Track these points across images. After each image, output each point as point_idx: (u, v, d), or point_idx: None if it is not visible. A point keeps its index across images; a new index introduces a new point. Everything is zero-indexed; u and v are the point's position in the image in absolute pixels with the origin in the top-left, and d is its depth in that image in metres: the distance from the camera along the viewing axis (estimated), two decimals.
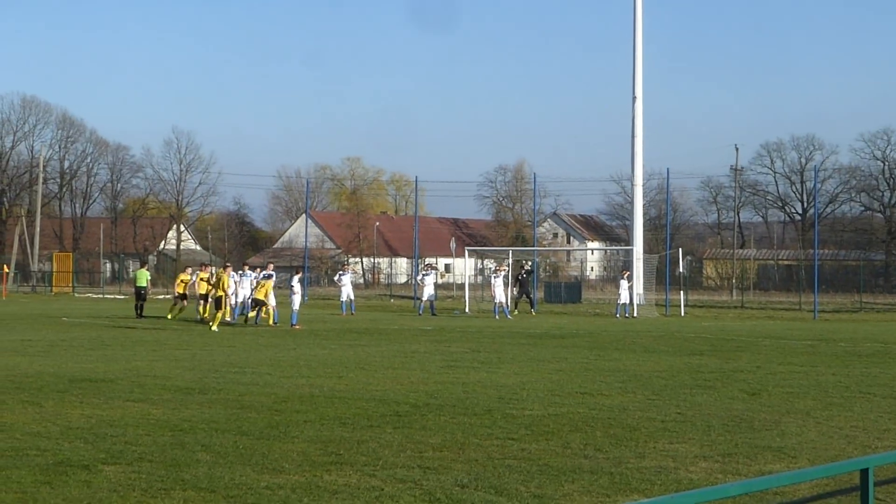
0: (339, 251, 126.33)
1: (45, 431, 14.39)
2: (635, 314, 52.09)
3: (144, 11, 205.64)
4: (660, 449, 13.57)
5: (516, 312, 53.96)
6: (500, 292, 49.94)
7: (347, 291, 51.59)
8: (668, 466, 12.49)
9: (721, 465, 12.61)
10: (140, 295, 47.46)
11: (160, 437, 14.00)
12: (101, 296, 79.37)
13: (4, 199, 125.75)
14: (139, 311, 46.14)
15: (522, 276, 59.10)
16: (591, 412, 16.75)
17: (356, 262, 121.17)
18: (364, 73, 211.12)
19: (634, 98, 63.65)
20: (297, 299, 41.26)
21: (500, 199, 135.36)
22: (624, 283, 52.28)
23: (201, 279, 43.38)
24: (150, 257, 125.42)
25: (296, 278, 42.85)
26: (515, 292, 57.70)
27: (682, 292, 58.67)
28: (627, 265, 62.29)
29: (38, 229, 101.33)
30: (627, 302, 52.07)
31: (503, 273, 52.07)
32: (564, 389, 19.77)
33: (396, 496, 10.86)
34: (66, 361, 24.56)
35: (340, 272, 54.39)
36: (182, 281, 45.38)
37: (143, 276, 48.46)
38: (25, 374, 21.59)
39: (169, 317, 43.76)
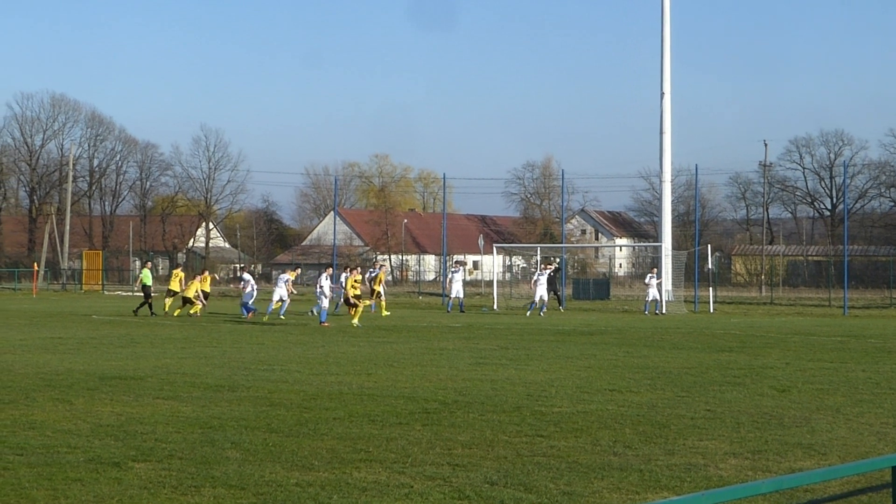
0: (368, 248, 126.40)
1: (75, 429, 14.45)
2: (664, 311, 51.93)
3: (173, 10, 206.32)
4: (689, 446, 13.54)
5: (562, 309, 54.23)
6: (542, 290, 49.87)
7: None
8: (697, 463, 12.46)
9: (751, 462, 12.58)
10: (148, 293, 47.68)
11: (190, 435, 14.04)
12: (130, 293, 79.62)
13: (35, 198, 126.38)
14: (150, 309, 46.40)
15: (551, 273, 59.10)
16: (620, 409, 16.73)
17: (385, 259, 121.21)
18: (391, 69, 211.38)
19: (662, 94, 63.57)
20: (325, 299, 41.28)
21: (528, 195, 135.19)
22: (652, 280, 52.00)
23: (354, 281, 43.26)
24: (180, 255, 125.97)
25: (324, 276, 42.89)
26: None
27: (710, 289, 58.47)
28: (656, 262, 62.22)
29: (67, 227, 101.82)
30: (657, 299, 51.82)
31: (548, 271, 52.22)
32: (593, 386, 19.75)
33: (426, 493, 10.87)
34: (95, 359, 24.67)
35: (371, 269, 54.26)
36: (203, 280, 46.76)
37: (148, 276, 48.66)
38: (56, 371, 21.70)
39: (177, 314, 44.59)
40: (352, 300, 39.81)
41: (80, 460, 12.29)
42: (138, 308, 46.80)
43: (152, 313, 45.64)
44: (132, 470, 11.81)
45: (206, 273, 48.89)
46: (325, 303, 41.40)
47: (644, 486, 11.27)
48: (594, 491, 11.04)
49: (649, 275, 53.04)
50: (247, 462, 12.28)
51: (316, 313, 42.69)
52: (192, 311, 45.09)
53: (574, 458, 12.68)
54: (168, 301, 47.53)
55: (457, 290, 51.81)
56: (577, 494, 10.89)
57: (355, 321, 38.79)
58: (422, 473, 11.76)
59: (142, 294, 49.36)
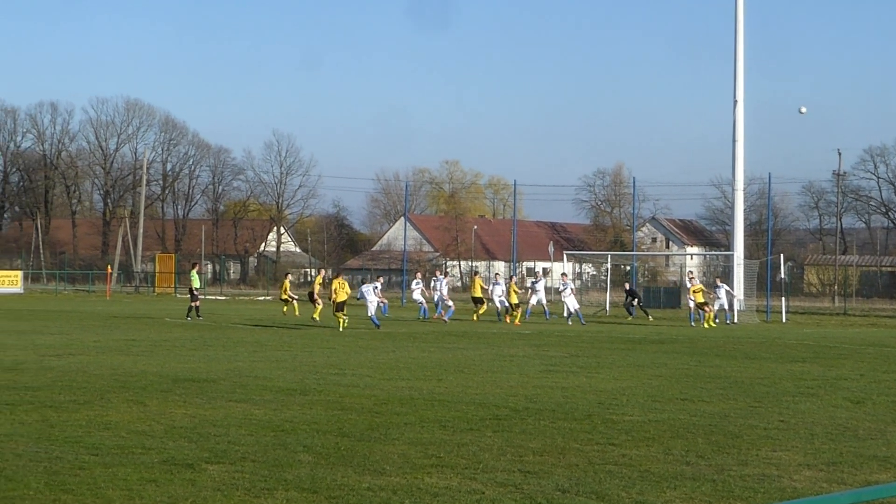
0: (437, 254, 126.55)
1: (149, 430, 14.59)
2: (735, 320, 51.52)
3: (246, 15, 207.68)
4: (762, 457, 13.44)
5: (630, 318, 53.97)
6: (572, 300, 49.55)
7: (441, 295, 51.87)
8: (771, 474, 12.36)
9: (826, 474, 12.46)
10: (195, 296, 46.82)
11: (262, 438, 14.12)
12: (202, 297, 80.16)
13: (109, 201, 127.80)
14: (196, 312, 45.60)
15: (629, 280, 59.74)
16: (692, 418, 16.63)
17: (454, 266, 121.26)
18: (463, 77, 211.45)
19: (735, 102, 63.14)
20: (371, 307, 41.82)
21: (599, 203, 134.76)
22: (722, 289, 51.29)
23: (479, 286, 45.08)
24: (252, 259, 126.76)
25: (443, 282, 43.92)
26: (630, 300, 57.41)
27: (783, 298, 57.98)
28: (728, 271, 61.78)
29: (141, 230, 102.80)
30: (726, 308, 51.21)
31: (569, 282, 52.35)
32: (665, 395, 19.65)
33: (497, 500, 10.86)
34: (168, 361, 24.88)
35: (435, 278, 54.30)
36: (318, 283, 47.84)
37: (196, 278, 47.60)
38: (130, 373, 21.91)
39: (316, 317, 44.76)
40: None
41: (155, 461, 12.40)
42: (189, 311, 45.78)
43: (199, 316, 45.10)
44: (205, 472, 11.90)
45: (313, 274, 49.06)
46: (450, 303, 46.68)
47: (717, 497, 11.19)
48: (666, 501, 10.99)
49: (718, 285, 52.18)
50: (319, 466, 12.33)
51: (448, 318, 46.39)
52: (314, 315, 45.16)
53: (646, 467, 12.63)
54: (318, 308, 46.02)
55: (539, 298, 51.82)
56: (649, 503, 10.84)
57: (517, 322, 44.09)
58: (493, 480, 11.76)
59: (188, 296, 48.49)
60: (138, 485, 11.19)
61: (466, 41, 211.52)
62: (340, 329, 39.19)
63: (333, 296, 40.79)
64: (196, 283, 47.07)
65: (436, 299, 51.43)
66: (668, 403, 18.45)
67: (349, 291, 41.40)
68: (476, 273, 48.55)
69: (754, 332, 43.10)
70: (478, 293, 49.60)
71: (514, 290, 46.73)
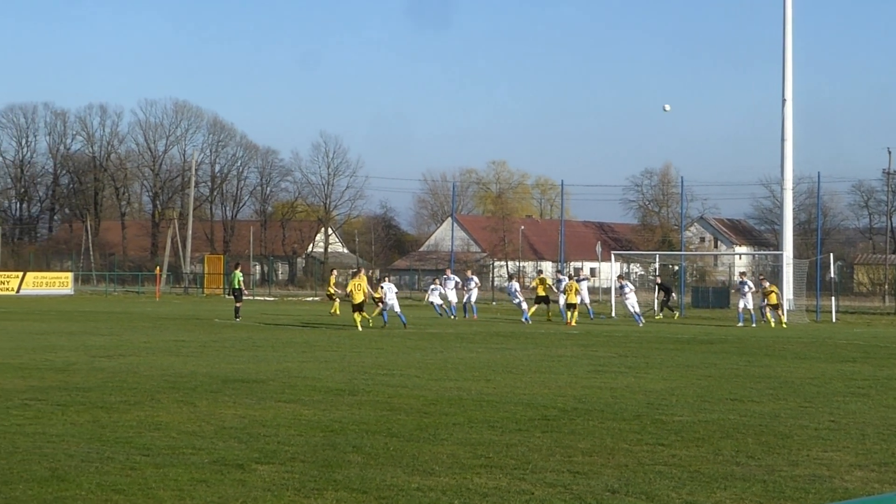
0: (485, 255, 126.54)
1: (199, 430, 14.66)
2: (784, 320, 51.12)
3: (293, 18, 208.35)
4: (813, 457, 13.36)
5: (660, 316, 53.92)
6: (633, 301, 49.39)
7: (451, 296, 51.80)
8: (822, 475, 12.29)
9: (878, 475, 12.38)
10: (237, 296, 46.62)
11: (312, 438, 14.17)
12: (251, 297, 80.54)
13: (157, 202, 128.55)
14: (235, 313, 45.50)
15: (664, 280, 59.78)
16: (742, 419, 16.56)
17: (501, 266, 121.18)
18: (511, 75, 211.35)
19: (784, 100, 62.78)
20: (390, 302, 42.46)
21: (647, 202, 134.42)
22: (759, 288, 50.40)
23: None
24: (299, 259, 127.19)
25: (514, 283, 44.42)
26: (662, 297, 57.28)
27: (832, 298, 57.59)
28: (777, 270, 61.40)
29: (189, 232, 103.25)
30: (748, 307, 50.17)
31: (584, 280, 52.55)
32: (714, 395, 19.57)
33: (547, 500, 10.86)
34: (218, 362, 25.01)
35: (445, 277, 54.26)
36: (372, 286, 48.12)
37: (238, 278, 47.46)
38: (179, 373, 22.04)
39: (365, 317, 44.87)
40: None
41: (205, 461, 12.47)
42: (236, 312, 45.60)
43: (237, 317, 45.08)
44: (255, 472, 11.95)
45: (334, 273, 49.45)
46: (525, 304, 47.96)
47: (768, 498, 11.14)
48: (716, 501, 10.95)
49: (762, 284, 51.27)
50: (368, 466, 12.36)
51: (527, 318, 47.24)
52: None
53: (696, 467, 12.58)
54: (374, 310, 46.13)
55: (582, 297, 52.01)
56: None
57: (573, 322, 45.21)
58: (542, 480, 11.75)
59: (233, 297, 48.15)
60: (189, 485, 11.25)
61: (511, 40, 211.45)
62: (359, 329, 39.39)
63: (351, 297, 41.05)
64: (238, 284, 46.97)
65: (464, 300, 52.24)
66: (717, 404, 18.38)
67: (367, 290, 41.56)
68: (540, 272, 48.68)
69: (804, 332, 42.83)
70: (542, 293, 49.56)
71: (576, 289, 46.91)
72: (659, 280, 59.57)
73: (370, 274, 55.33)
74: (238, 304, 45.97)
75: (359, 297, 40.36)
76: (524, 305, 48.52)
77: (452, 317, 50.24)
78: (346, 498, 10.83)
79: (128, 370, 22.64)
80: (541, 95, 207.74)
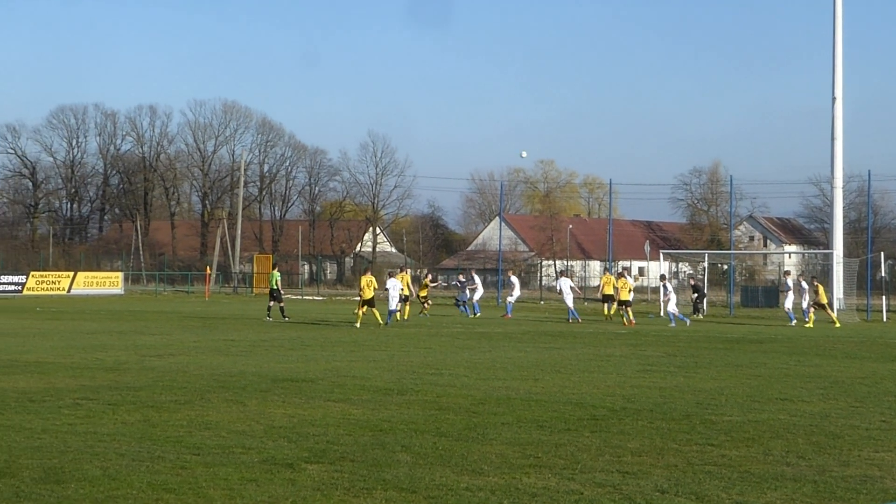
0: (532, 254, 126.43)
1: (249, 430, 14.72)
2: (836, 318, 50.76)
3: (340, 17, 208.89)
4: (864, 457, 13.27)
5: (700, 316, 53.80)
6: (674, 303, 49.26)
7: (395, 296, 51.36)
8: (873, 475, 12.20)
9: None
10: (273, 296, 46.52)
11: (361, 437, 14.20)
12: (299, 297, 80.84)
13: (207, 202, 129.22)
14: (268, 312, 45.56)
15: (697, 281, 59.94)
16: (792, 419, 16.46)
17: (549, 265, 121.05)
18: (559, 74, 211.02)
19: (834, 98, 62.40)
20: (393, 302, 43.01)
21: (695, 201, 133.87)
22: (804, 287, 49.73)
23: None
24: (347, 259, 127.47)
25: (391, 281, 44.25)
26: (694, 297, 57.13)
27: (883, 297, 57.17)
28: (827, 269, 61.00)
29: (239, 232, 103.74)
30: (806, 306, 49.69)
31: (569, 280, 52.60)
32: (764, 395, 19.46)
33: (596, 500, 10.83)
34: (267, 361, 25.10)
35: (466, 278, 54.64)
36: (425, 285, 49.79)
37: (276, 278, 47.37)
38: (229, 373, 22.13)
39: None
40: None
41: (255, 461, 12.52)
42: (282, 312, 45.69)
43: (268, 317, 45.18)
44: (305, 471, 11.98)
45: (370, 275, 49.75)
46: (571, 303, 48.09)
47: (818, 498, 11.07)
48: (767, 502, 10.89)
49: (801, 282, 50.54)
50: (417, 465, 12.38)
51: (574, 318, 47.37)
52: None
53: (746, 467, 12.53)
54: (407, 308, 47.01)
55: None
56: None
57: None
58: (591, 480, 11.73)
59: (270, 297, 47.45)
60: (239, 484, 11.30)
61: (561, 38, 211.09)
62: (357, 325, 40.27)
63: (361, 293, 41.83)
64: (275, 284, 46.93)
65: (464, 299, 52.73)
66: (767, 403, 18.28)
67: (377, 287, 42.44)
68: (606, 270, 48.56)
69: (854, 332, 42.56)
70: (609, 291, 49.40)
71: (629, 288, 46.73)
72: (693, 281, 59.49)
73: (418, 273, 55.76)
74: (273, 304, 46.07)
75: (369, 294, 41.32)
76: (571, 303, 48.55)
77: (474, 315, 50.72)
78: (396, 497, 10.84)
79: (178, 369, 22.77)
80: (589, 94, 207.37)
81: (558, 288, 51.72)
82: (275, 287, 46.81)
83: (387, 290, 42.90)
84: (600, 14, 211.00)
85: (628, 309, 45.80)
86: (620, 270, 52.19)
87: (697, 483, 11.65)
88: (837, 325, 47.17)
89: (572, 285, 50.82)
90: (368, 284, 41.31)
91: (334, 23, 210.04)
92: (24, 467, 12.01)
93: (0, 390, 18.75)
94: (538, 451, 13.30)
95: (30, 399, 17.61)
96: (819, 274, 67.62)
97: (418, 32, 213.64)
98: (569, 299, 48.79)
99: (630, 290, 47.09)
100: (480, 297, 54.93)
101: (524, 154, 60.74)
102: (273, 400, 17.85)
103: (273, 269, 50.14)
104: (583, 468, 12.34)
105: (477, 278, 55.41)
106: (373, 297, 41.29)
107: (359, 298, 42.67)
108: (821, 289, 48.62)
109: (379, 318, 40.84)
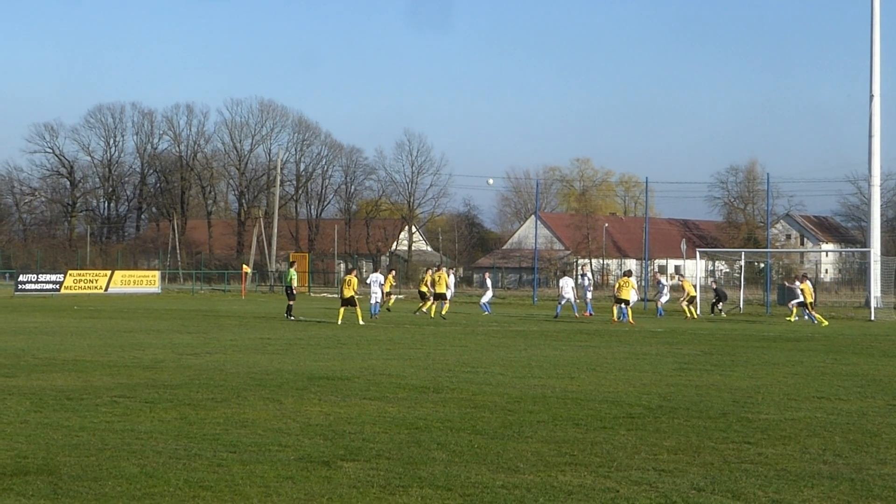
0: (568, 252, 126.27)
1: (285, 428, 14.76)
2: (871, 318, 50.53)
3: (376, 16, 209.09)
4: None
5: (724, 315, 53.59)
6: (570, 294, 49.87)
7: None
8: None
9: None
10: (290, 294, 46.45)
11: (397, 435, 14.22)
12: (335, 296, 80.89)
13: (243, 201, 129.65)
14: (288, 312, 45.38)
15: (717, 283, 60.50)
16: (829, 417, 16.39)
17: (585, 263, 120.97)
18: (595, 73, 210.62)
19: (872, 96, 62.07)
20: (374, 297, 44.78)
21: (732, 199, 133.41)
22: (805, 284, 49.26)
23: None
24: (383, 258, 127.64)
25: (374, 275, 44.87)
26: (715, 298, 56.96)
27: None
28: (865, 268, 60.70)
29: (275, 230, 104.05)
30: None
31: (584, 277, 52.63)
32: (801, 393, 19.39)
33: (632, 498, 10.82)
34: (303, 359, 25.16)
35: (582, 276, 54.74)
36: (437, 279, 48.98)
37: (293, 276, 47.46)
38: (265, 371, 22.20)
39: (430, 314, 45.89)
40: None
41: (291, 458, 12.55)
42: (288, 311, 45.57)
43: (289, 316, 45.03)
44: (341, 469, 12.01)
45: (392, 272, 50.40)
46: (589, 295, 49.86)
47: (856, 496, 11.02)
48: (804, 500, 10.85)
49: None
50: (453, 463, 12.39)
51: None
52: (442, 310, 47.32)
53: (783, 465, 12.48)
54: (429, 304, 47.87)
55: (665, 299, 52.51)
56: (786, 503, 10.72)
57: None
58: (627, 478, 11.71)
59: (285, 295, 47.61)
60: (275, 482, 11.34)
61: (596, 36, 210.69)
62: (338, 322, 40.71)
63: (342, 292, 42.36)
64: (291, 282, 46.99)
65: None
66: (804, 402, 18.21)
67: (356, 290, 42.70)
68: (629, 273, 48.44)
69: (892, 330, 42.33)
70: (626, 296, 49.23)
71: (631, 286, 46.55)
72: (714, 285, 59.38)
73: (452, 269, 56.22)
74: (291, 302, 46.06)
75: (349, 293, 41.82)
76: (589, 296, 48.84)
77: (588, 313, 51.00)
78: (431, 495, 10.86)
79: (214, 368, 22.85)
80: (625, 92, 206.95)
81: (560, 286, 51.66)
82: (288, 285, 47.01)
83: (367, 285, 43.55)
84: (639, 10, 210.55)
85: (628, 308, 45.59)
86: (627, 269, 52.68)
87: (734, 481, 11.62)
88: (792, 320, 47.69)
89: (588, 279, 51.99)
90: (348, 284, 41.68)
91: (371, 22, 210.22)
92: (63, 464, 12.09)
93: (38, 388, 18.88)
94: (574, 449, 13.29)
95: (68, 397, 17.71)
96: (856, 272, 67.22)
97: (453, 32, 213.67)
98: (570, 296, 50.03)
99: (633, 289, 46.78)
100: (490, 299, 56.51)
101: (490, 182, 61.84)
102: (309, 398, 17.90)
103: (291, 266, 50.24)
104: (619, 466, 12.33)
105: (489, 281, 57.18)
106: (352, 297, 41.67)
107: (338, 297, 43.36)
108: (807, 287, 48.28)
109: (361, 319, 40.83)
